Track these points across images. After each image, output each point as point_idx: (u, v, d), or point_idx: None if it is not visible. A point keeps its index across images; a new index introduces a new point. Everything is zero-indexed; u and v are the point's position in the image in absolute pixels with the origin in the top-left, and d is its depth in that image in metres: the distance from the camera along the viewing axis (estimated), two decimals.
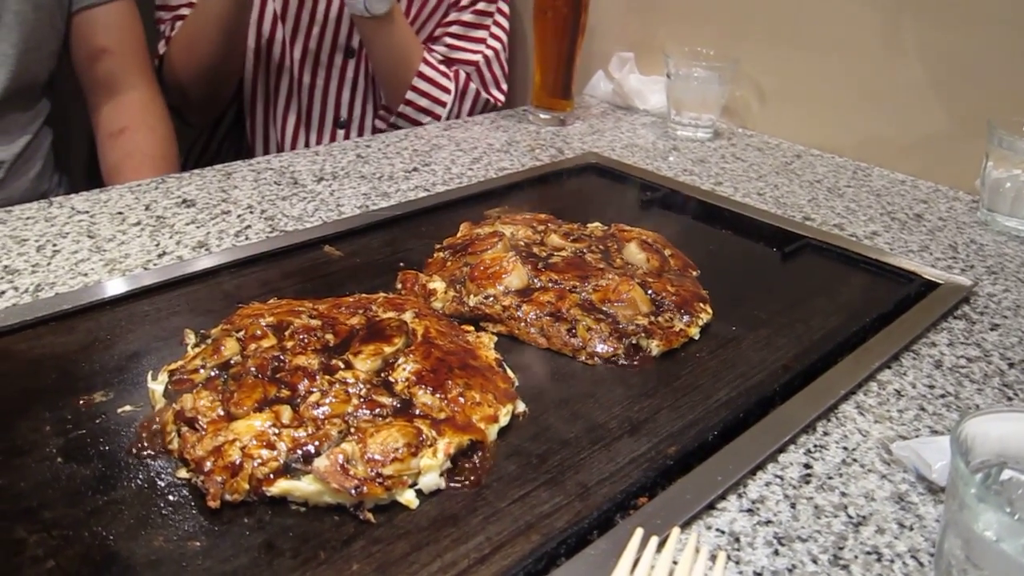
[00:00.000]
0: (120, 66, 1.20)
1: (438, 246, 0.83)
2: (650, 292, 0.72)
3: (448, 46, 1.40)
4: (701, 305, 0.73)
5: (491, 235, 0.79)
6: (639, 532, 0.45)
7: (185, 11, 1.34)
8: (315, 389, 0.55)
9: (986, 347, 0.73)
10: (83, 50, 1.19)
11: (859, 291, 0.83)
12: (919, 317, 0.76)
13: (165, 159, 1.21)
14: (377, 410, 0.54)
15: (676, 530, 0.47)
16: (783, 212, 1.00)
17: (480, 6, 1.40)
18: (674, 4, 1.40)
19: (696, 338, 0.70)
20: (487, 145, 1.17)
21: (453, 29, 1.40)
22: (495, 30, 1.42)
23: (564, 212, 0.90)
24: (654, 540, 0.45)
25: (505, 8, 1.43)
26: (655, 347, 0.68)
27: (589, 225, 0.87)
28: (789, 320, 0.75)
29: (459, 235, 0.84)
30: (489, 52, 1.41)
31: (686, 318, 0.71)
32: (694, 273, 0.81)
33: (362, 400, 0.55)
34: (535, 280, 0.73)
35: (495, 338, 0.68)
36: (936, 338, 0.74)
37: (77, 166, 1.44)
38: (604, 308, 0.70)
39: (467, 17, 1.40)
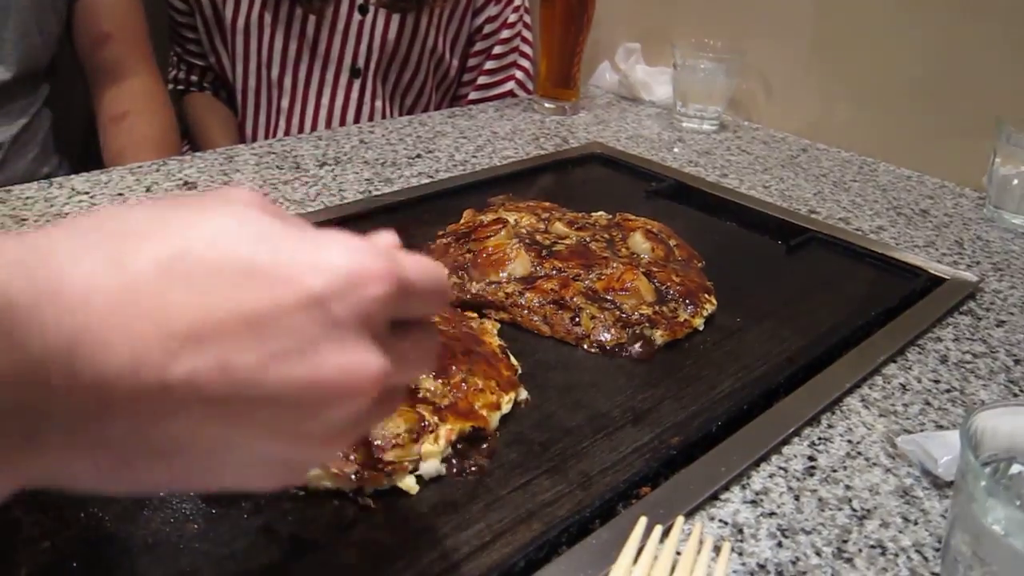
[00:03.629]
0: (122, 52, 1.20)
1: (441, 232, 0.82)
2: (655, 282, 0.72)
3: (481, 86, 1.43)
4: (706, 296, 0.73)
5: (495, 222, 0.78)
6: (643, 521, 0.45)
7: (194, 59, 1.40)
8: None
9: (992, 343, 0.73)
10: (86, 36, 1.18)
11: (864, 285, 0.82)
12: (925, 312, 0.75)
13: (167, 144, 1.21)
14: None
15: (680, 519, 0.46)
16: (789, 205, 0.99)
17: (504, 34, 1.41)
18: None
19: (700, 329, 0.70)
20: (491, 133, 1.16)
21: (488, 65, 1.42)
22: (523, 48, 1.43)
23: (568, 201, 0.89)
24: (658, 529, 0.45)
25: (528, 19, 1.43)
26: (659, 337, 0.67)
27: (594, 214, 0.86)
28: (794, 313, 0.74)
29: (462, 222, 0.83)
30: (520, 74, 1.43)
31: (691, 308, 0.70)
32: (699, 264, 0.80)
33: None
34: (538, 268, 0.72)
35: (498, 325, 0.67)
36: (942, 333, 0.74)
37: (73, 148, 1.43)
38: (608, 297, 0.69)
39: (497, 49, 1.41)
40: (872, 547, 0.49)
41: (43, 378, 0.26)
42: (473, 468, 0.52)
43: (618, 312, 0.68)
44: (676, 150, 1.17)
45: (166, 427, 0.29)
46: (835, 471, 0.55)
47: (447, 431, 0.52)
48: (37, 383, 0.26)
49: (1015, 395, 0.66)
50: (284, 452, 0.32)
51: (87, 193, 0.87)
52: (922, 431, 0.60)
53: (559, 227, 0.80)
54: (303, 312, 0.30)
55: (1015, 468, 0.45)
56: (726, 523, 0.50)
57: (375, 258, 0.32)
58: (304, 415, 0.31)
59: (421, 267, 0.34)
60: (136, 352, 0.27)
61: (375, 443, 0.50)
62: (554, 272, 0.72)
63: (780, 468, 0.55)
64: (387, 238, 0.36)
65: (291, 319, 0.29)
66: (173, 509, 0.47)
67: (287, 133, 1.33)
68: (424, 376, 0.55)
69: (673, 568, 0.43)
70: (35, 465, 0.28)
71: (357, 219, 0.85)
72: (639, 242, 0.78)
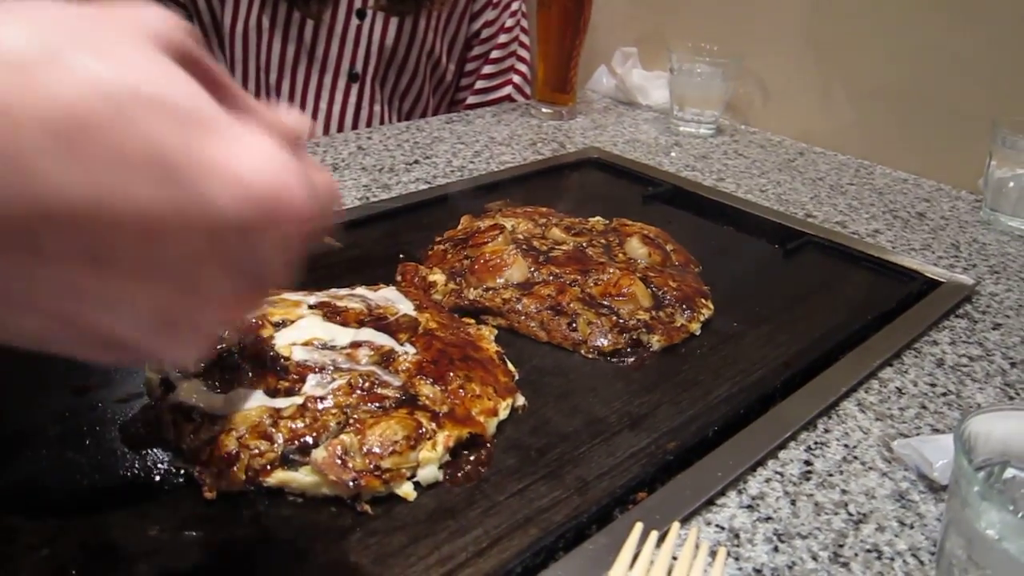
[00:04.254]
0: None
1: (438, 238, 0.82)
2: (652, 287, 0.72)
3: (479, 91, 1.43)
4: (703, 301, 0.73)
5: (492, 228, 0.79)
6: (639, 526, 0.45)
7: None
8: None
9: (988, 346, 0.73)
10: None
11: (861, 289, 0.82)
12: (921, 315, 0.76)
13: None
14: (377, 403, 0.54)
15: (676, 525, 0.47)
16: (785, 209, 1.00)
17: (502, 39, 1.42)
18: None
19: (697, 334, 0.70)
20: (489, 138, 1.17)
21: (485, 69, 1.43)
22: (520, 52, 1.44)
23: (565, 206, 0.90)
24: (654, 535, 0.45)
25: (525, 24, 1.43)
26: (656, 342, 0.67)
27: (591, 219, 0.86)
28: (791, 317, 0.74)
29: (460, 228, 0.84)
30: (517, 79, 1.44)
31: (687, 313, 0.70)
32: (696, 269, 0.81)
33: (364, 392, 0.54)
34: (535, 273, 0.73)
35: (495, 331, 0.67)
36: (938, 336, 0.74)
37: None
38: (605, 302, 0.70)
39: (494, 54, 1.42)
40: (868, 551, 0.49)
41: None
42: (470, 474, 0.52)
43: (615, 317, 0.68)
44: (673, 154, 1.17)
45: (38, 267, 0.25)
46: (831, 475, 0.55)
47: (444, 437, 0.52)
48: None
49: (1011, 398, 0.66)
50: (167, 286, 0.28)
51: None
52: (918, 435, 0.60)
53: (556, 232, 0.80)
54: (209, 241, 0.27)
55: (1009, 472, 0.45)
56: (722, 528, 0.50)
57: (294, 185, 0.28)
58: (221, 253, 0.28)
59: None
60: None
61: (373, 450, 0.50)
62: (551, 278, 0.72)
63: (776, 473, 0.55)
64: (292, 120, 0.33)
65: (195, 241, 0.27)
66: (173, 516, 0.47)
67: None
68: (422, 381, 0.56)
69: (669, 573, 0.43)
70: None
71: (355, 226, 0.85)
72: (636, 247, 0.78)
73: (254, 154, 0.27)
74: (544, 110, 1.29)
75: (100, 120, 0.24)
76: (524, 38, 1.43)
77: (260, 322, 0.60)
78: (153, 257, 0.26)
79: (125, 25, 0.27)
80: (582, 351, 0.67)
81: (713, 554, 0.47)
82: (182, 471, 0.51)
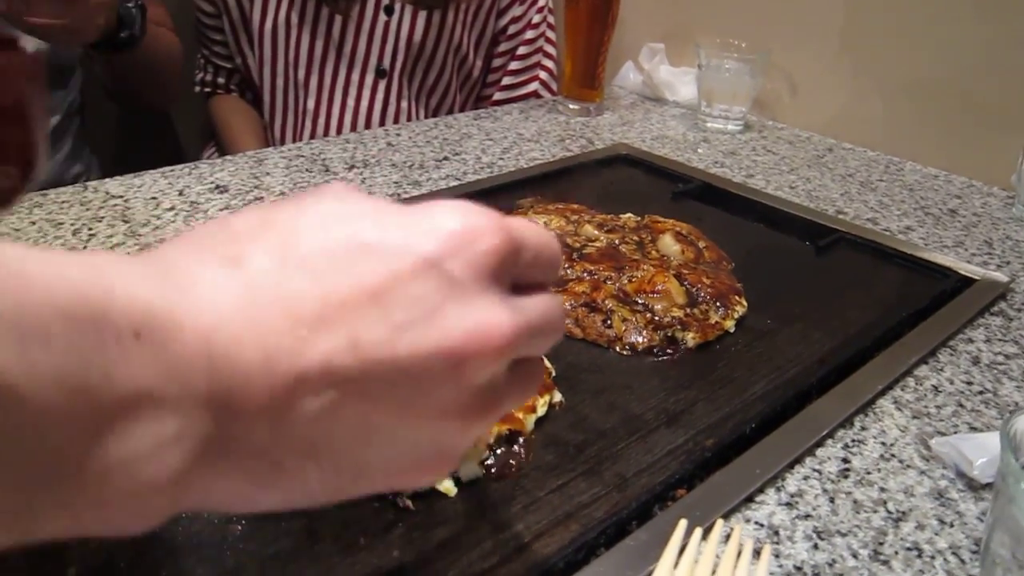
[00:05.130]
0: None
1: None
2: (685, 284, 0.72)
3: (506, 87, 1.44)
4: (736, 298, 0.73)
5: None
6: (683, 523, 0.45)
7: (220, 61, 1.41)
8: None
9: None
10: None
11: (894, 286, 0.82)
12: (955, 313, 0.75)
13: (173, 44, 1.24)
14: None
15: (720, 521, 0.47)
16: (816, 206, 0.99)
17: (528, 35, 1.42)
18: None
19: (731, 331, 0.70)
20: (517, 135, 1.17)
21: (512, 66, 1.43)
22: (547, 48, 1.44)
23: (596, 202, 0.90)
24: (698, 531, 0.45)
25: (551, 20, 1.44)
26: (691, 339, 0.67)
27: (622, 216, 0.86)
28: (824, 314, 0.74)
29: None
30: (544, 75, 1.45)
31: (721, 310, 0.70)
32: (728, 266, 0.80)
33: None
34: (569, 270, 0.73)
35: None
36: (973, 334, 0.73)
37: (106, 149, 1.45)
38: (639, 299, 0.70)
39: (521, 50, 1.43)
40: (908, 549, 0.49)
41: (188, 389, 0.26)
42: (510, 470, 0.53)
43: (649, 314, 0.68)
44: (701, 151, 1.17)
45: (308, 421, 0.28)
46: (869, 473, 0.55)
47: (484, 434, 0.53)
48: (184, 396, 0.26)
49: None
50: (429, 433, 0.32)
51: (121, 196, 0.89)
52: (955, 433, 0.60)
53: (589, 229, 0.80)
54: (421, 278, 0.29)
55: None
56: (762, 525, 0.50)
57: (483, 215, 0.32)
58: (440, 384, 0.30)
59: (531, 228, 0.34)
60: (267, 345, 0.27)
61: None
62: (585, 275, 0.72)
63: (814, 470, 0.55)
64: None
65: (411, 286, 0.29)
66: (216, 512, 0.48)
67: (313, 134, 1.34)
68: None
69: (714, 571, 0.43)
70: (193, 488, 0.28)
71: None
72: (669, 244, 0.78)
73: (440, 211, 0.31)
74: (571, 106, 1.29)
75: (311, 235, 0.30)
76: (551, 34, 1.43)
77: None
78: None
79: (318, 191, 0.33)
80: (617, 348, 0.67)
81: (757, 552, 0.47)
82: None
